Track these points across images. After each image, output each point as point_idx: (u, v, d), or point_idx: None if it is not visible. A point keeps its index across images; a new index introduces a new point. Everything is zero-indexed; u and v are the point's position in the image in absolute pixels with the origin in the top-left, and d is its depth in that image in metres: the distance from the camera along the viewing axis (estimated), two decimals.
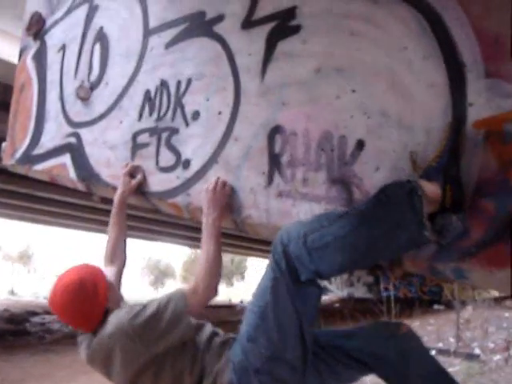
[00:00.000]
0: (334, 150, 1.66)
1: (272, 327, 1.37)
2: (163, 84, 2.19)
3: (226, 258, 34.21)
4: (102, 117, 2.44)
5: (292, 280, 1.37)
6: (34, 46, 3.07)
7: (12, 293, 18.17)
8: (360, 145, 1.62)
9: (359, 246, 1.31)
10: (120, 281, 1.81)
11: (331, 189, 1.64)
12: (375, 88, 1.64)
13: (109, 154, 2.33)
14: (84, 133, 2.52)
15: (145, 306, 1.48)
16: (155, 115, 2.18)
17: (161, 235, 15.10)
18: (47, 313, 11.89)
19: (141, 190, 2.13)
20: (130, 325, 1.43)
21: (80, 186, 2.50)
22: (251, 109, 1.87)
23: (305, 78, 1.77)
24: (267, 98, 1.83)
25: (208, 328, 1.59)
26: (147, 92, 2.25)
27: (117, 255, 1.87)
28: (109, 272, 1.73)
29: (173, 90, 2.14)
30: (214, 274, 1.60)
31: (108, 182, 2.32)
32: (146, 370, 1.45)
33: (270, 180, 1.76)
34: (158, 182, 2.10)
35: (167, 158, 2.08)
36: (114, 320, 1.47)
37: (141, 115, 2.25)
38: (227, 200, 1.81)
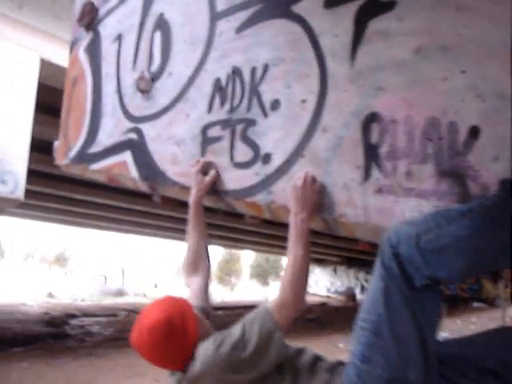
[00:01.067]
0: (443, 138, 1.55)
1: (389, 343, 1.27)
2: (235, 72, 2.12)
3: (261, 257, 34.30)
4: (166, 110, 2.40)
5: (406, 287, 1.27)
6: (86, 38, 3.07)
7: (50, 295, 18.73)
8: (474, 132, 1.51)
9: (486, 248, 1.21)
10: (207, 292, 1.75)
11: (441, 183, 1.53)
12: (489, 68, 1.52)
13: (175, 149, 2.29)
14: (146, 128, 2.48)
15: (230, 332, 1.43)
16: (228, 106, 2.12)
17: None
18: (86, 315, 12.15)
19: (214, 188, 2.07)
20: (218, 355, 1.38)
21: (142, 186, 2.47)
22: (340, 96, 1.79)
23: (403, 60, 1.67)
24: (359, 83, 1.75)
25: (309, 352, 1.51)
26: (217, 81, 2.19)
27: (200, 263, 1.84)
28: (194, 285, 1.69)
29: (247, 77, 2.08)
30: (303, 283, 1.53)
31: (175, 181, 2.28)
32: None
33: (367, 174, 1.67)
34: (233, 180, 2.04)
35: (243, 152, 2.02)
36: (202, 355, 1.42)
37: (211, 107, 2.19)
38: (317, 197, 1.73)
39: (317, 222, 1.79)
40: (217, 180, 2.07)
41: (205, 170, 2.10)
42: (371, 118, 1.69)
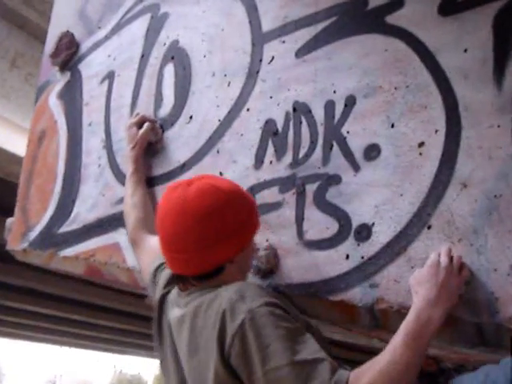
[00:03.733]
0: None
1: None
2: (299, 109, 1.65)
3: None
4: (184, 168, 1.88)
5: None
6: (60, 80, 2.57)
7: None
8: None
9: None
10: None
11: None
12: None
13: None
14: (152, 195, 1.94)
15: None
16: (288, 158, 1.64)
17: (130, 347, 14.79)
18: None
19: (264, 269, 1.53)
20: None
21: (143, 282, 1.86)
22: (485, 134, 1.32)
23: None
24: None
25: None
26: (269, 124, 1.71)
27: (151, 220, 1.60)
28: (152, 244, 1.62)
29: (319, 116, 1.61)
30: None
31: None
32: None
33: None
34: (304, 267, 1.49)
35: (320, 224, 1.52)
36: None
37: (260, 160, 1.69)
38: (462, 290, 1.23)
39: (462, 329, 1.24)
40: (153, 130, 2.00)
41: (141, 123, 2.00)
42: None
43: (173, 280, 1.44)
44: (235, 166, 1.74)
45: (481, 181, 1.30)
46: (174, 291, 1.42)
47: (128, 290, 4.20)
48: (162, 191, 1.92)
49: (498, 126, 1.31)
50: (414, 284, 1.24)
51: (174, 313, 1.36)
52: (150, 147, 2.01)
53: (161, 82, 2.10)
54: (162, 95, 2.08)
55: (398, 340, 1.14)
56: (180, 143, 1.94)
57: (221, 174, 1.77)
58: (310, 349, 1.12)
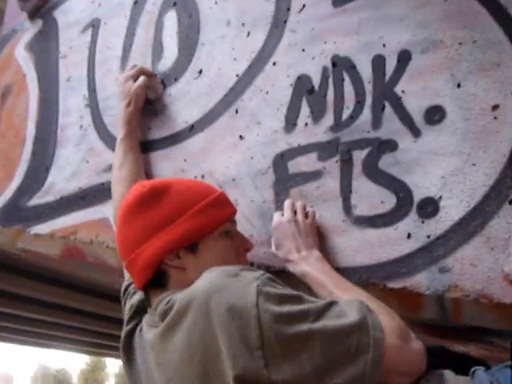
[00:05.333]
0: None
1: None
2: (340, 64, 1.44)
3: None
4: (193, 129, 1.64)
5: None
6: (30, 29, 2.26)
7: None
8: None
9: None
10: None
11: None
12: None
13: None
14: (153, 161, 1.69)
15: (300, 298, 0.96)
16: (329, 120, 1.42)
17: (55, 340, 14.34)
18: None
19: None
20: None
21: None
22: None
23: None
24: None
25: None
26: (302, 80, 1.49)
27: None
28: None
29: (366, 72, 1.41)
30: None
31: None
32: None
33: None
34: (354, 247, 1.30)
35: (373, 197, 1.31)
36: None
37: (291, 122, 1.47)
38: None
39: None
40: (158, 89, 1.75)
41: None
42: None
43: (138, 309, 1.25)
44: (259, 128, 1.52)
45: None
46: (146, 316, 1.19)
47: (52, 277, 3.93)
48: (163, 157, 1.68)
49: None
50: (278, 252, 1.29)
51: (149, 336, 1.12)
52: (149, 107, 1.75)
53: (160, 31, 1.83)
54: (162, 46, 1.81)
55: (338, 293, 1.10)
56: (186, 101, 1.69)
57: (241, 137, 1.54)
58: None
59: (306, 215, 1.32)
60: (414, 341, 0.99)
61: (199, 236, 1.12)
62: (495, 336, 1.32)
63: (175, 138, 1.67)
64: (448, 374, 1.02)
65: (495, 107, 1.23)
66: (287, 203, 1.34)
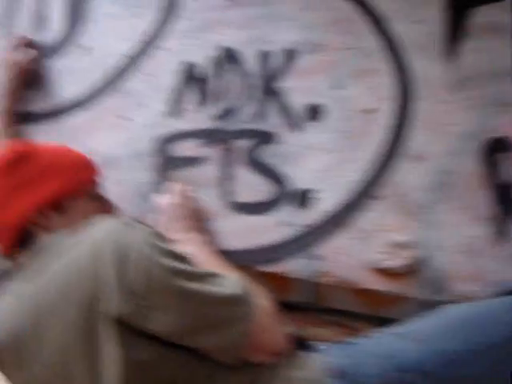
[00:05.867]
0: None
1: None
2: (229, 55, 1.50)
3: None
4: (77, 106, 1.60)
5: None
6: None
7: None
8: None
9: None
10: None
11: None
12: None
13: None
14: (33, 134, 1.63)
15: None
16: (215, 109, 1.46)
17: None
18: None
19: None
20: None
21: None
22: (438, 108, 1.34)
23: None
24: (468, 93, 1.34)
25: None
26: (190, 67, 1.53)
27: None
28: None
29: (254, 66, 1.47)
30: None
31: None
32: None
33: (503, 230, 1.21)
34: (232, 231, 1.35)
35: (254, 186, 1.38)
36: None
37: (177, 107, 1.49)
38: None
39: (409, 307, 1.22)
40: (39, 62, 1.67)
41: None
42: (496, 146, 1.27)
43: None
44: (145, 110, 1.51)
45: (432, 155, 1.29)
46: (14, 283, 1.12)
47: None
48: (43, 131, 1.62)
49: (451, 103, 1.33)
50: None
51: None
52: (33, 79, 1.66)
53: (47, 3, 1.75)
54: (44, 18, 1.73)
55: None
56: (71, 77, 1.63)
57: (125, 118, 1.52)
58: None
59: (191, 200, 1.36)
60: (279, 324, 1.06)
61: (65, 196, 1.13)
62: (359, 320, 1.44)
63: (58, 114, 1.61)
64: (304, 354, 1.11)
65: (370, 111, 1.36)
66: (174, 187, 1.36)
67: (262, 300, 1.04)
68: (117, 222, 1.00)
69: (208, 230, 1.34)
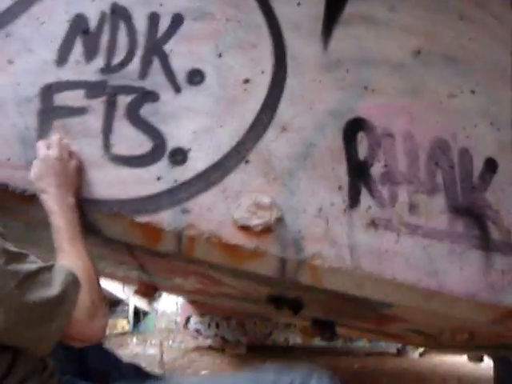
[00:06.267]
0: (455, 166, 1.42)
1: None
2: (118, 12, 1.56)
3: None
4: None
5: None
6: None
7: None
8: (491, 165, 1.43)
9: None
10: None
11: (455, 221, 1.40)
12: (500, 92, 1.50)
13: None
14: None
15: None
16: (99, 62, 1.52)
17: None
18: None
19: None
20: None
21: None
22: (308, 86, 1.50)
23: (399, 59, 1.53)
24: (337, 75, 1.52)
25: None
26: (79, 19, 1.56)
27: None
28: None
29: (141, 26, 1.55)
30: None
31: None
32: None
33: (354, 200, 1.40)
34: (109, 182, 1.43)
35: (131, 140, 1.46)
36: None
37: (63, 57, 1.52)
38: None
39: (268, 263, 1.38)
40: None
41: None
42: (356, 125, 1.47)
43: None
44: (31, 56, 1.53)
45: (299, 128, 1.45)
46: None
47: None
48: None
49: (320, 82, 1.48)
50: (36, 180, 1.31)
51: None
52: None
53: None
54: None
55: (66, 245, 1.21)
56: None
57: (9, 61, 1.53)
58: None
59: (66, 152, 1.37)
60: (99, 318, 1.15)
61: None
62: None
63: None
64: None
65: (247, 81, 1.49)
66: (55, 140, 1.38)
67: (87, 296, 1.13)
68: None
69: (77, 188, 1.37)
